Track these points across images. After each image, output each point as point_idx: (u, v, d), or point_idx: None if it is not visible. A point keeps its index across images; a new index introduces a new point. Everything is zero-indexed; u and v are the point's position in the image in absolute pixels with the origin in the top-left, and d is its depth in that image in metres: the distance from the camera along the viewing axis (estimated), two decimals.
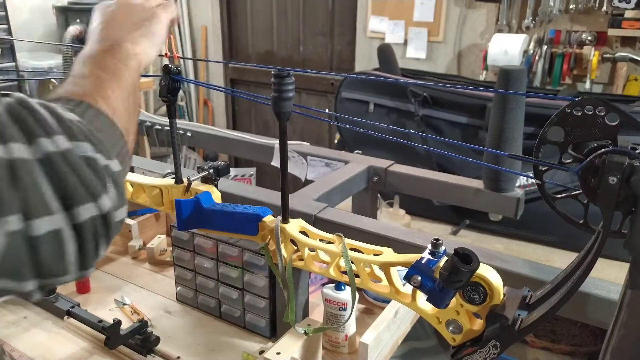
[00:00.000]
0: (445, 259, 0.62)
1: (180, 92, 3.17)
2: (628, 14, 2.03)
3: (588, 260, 0.56)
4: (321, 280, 1.17)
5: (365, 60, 2.88)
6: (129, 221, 1.33)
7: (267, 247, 0.83)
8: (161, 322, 1.06)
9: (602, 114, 0.51)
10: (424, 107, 1.82)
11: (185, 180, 0.93)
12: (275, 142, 1.43)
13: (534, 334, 1.83)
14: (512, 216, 1.18)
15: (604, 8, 2.09)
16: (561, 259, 1.54)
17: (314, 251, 0.79)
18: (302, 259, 0.80)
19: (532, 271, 0.77)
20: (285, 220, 0.81)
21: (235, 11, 3.59)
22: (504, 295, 0.62)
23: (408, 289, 0.70)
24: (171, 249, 1.15)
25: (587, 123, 0.52)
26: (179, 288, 1.14)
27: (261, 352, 0.94)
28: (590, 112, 0.51)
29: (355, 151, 1.46)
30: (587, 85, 2.18)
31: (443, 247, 0.64)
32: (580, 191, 0.55)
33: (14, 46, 2.49)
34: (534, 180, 0.59)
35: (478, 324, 0.64)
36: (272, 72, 0.71)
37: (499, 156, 1.17)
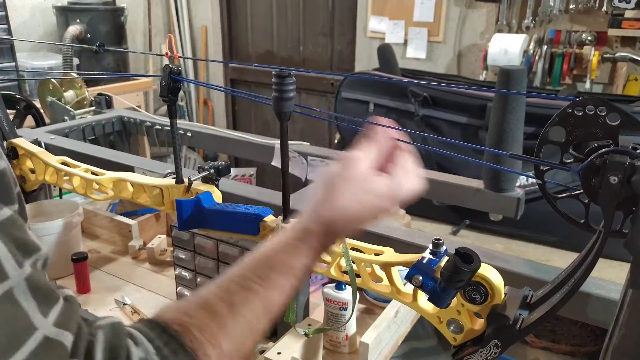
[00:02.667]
0: (446, 258, 0.62)
1: (180, 92, 3.17)
2: (628, 14, 2.03)
3: (589, 260, 0.56)
4: (322, 280, 1.17)
5: (365, 60, 2.88)
6: (129, 221, 1.33)
7: None
8: None
9: (603, 113, 0.51)
10: (424, 107, 1.82)
11: (185, 180, 0.93)
12: (276, 142, 1.43)
13: (535, 333, 1.83)
14: (513, 216, 1.18)
15: (604, 8, 2.09)
16: (562, 259, 1.54)
17: None
18: None
19: (533, 271, 0.77)
20: (286, 220, 0.81)
21: (235, 11, 3.59)
22: (505, 295, 0.62)
23: (409, 288, 0.70)
24: (171, 249, 1.14)
25: (588, 123, 0.52)
26: (179, 288, 1.14)
27: (262, 352, 0.94)
28: (591, 112, 0.52)
29: None
30: (587, 85, 2.18)
31: (444, 247, 0.64)
32: (581, 191, 0.55)
33: (14, 46, 2.49)
34: (534, 180, 0.59)
35: (479, 324, 0.64)
36: (273, 72, 0.71)
37: (499, 156, 1.17)
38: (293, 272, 0.53)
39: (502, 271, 0.63)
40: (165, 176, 1.00)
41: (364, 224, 0.58)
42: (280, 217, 0.81)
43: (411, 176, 0.59)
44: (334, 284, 0.97)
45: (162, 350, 0.42)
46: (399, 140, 0.61)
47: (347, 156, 0.58)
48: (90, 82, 2.03)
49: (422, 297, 0.68)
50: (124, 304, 1.10)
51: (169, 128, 0.96)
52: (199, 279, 1.09)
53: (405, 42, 2.69)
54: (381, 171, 0.58)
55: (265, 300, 0.50)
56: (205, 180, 0.93)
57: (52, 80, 1.78)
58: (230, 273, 0.52)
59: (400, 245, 0.86)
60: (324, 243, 0.56)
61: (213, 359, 0.45)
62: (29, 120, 1.74)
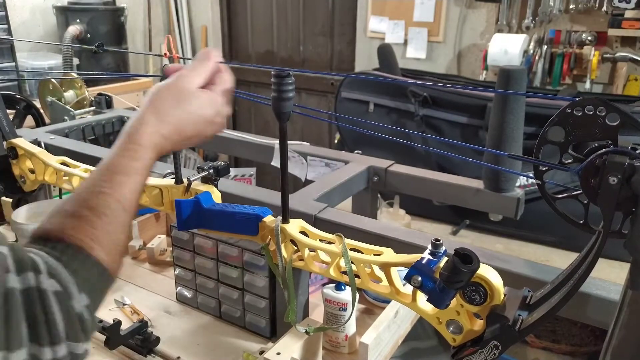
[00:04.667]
0: (445, 259, 0.62)
1: None
2: (628, 14, 2.03)
3: (588, 260, 0.56)
4: (321, 280, 1.17)
5: (365, 60, 2.88)
6: None
7: (268, 247, 0.83)
8: (161, 322, 1.06)
9: (603, 114, 0.51)
10: (424, 107, 1.82)
11: (185, 180, 0.93)
12: (275, 142, 1.43)
13: (535, 333, 1.83)
14: (512, 216, 1.18)
15: (604, 8, 2.09)
16: (561, 259, 1.54)
17: (314, 251, 0.78)
18: (302, 259, 0.80)
19: (533, 271, 0.77)
20: (285, 220, 0.81)
21: (235, 11, 3.59)
22: (505, 295, 0.62)
23: (408, 289, 0.70)
24: (171, 249, 1.14)
25: (587, 123, 0.52)
26: (179, 288, 1.14)
27: (261, 352, 0.94)
28: (591, 112, 0.51)
29: (355, 151, 1.46)
30: (587, 85, 2.18)
31: (443, 248, 0.64)
32: (581, 191, 0.55)
33: (14, 46, 2.49)
34: (534, 180, 0.59)
35: (478, 325, 0.64)
36: (272, 72, 0.71)
37: (499, 156, 1.17)
38: (135, 171, 0.60)
39: (501, 271, 0.63)
40: (164, 176, 1.00)
41: (194, 133, 0.67)
42: (280, 217, 0.81)
43: (228, 95, 0.71)
44: (334, 285, 0.97)
45: (52, 253, 0.50)
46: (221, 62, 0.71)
47: (178, 73, 0.68)
48: (90, 82, 2.03)
49: (422, 298, 0.68)
50: (124, 304, 1.10)
51: None
52: (198, 279, 1.09)
53: (405, 42, 2.69)
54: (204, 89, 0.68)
55: (118, 198, 0.57)
56: (205, 180, 0.93)
57: (52, 80, 1.78)
58: (79, 188, 0.59)
59: (400, 246, 0.86)
60: (157, 144, 0.63)
61: (98, 250, 0.53)
62: (29, 120, 1.74)
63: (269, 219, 0.83)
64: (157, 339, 0.97)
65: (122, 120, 1.77)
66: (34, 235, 0.53)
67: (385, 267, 0.71)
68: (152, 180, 0.99)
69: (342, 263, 0.74)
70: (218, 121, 0.70)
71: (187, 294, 1.12)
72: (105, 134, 1.72)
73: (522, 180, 1.47)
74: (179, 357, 0.96)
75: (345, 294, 0.96)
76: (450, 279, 0.59)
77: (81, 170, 1.09)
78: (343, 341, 0.98)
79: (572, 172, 0.54)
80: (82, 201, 0.56)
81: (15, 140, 1.22)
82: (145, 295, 1.16)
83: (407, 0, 2.63)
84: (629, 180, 0.50)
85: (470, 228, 1.74)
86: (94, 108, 1.81)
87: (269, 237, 0.83)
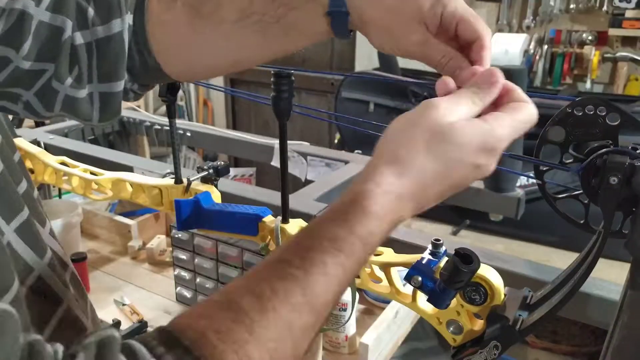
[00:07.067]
0: (445, 259, 0.62)
1: (180, 92, 3.17)
2: (628, 13, 2.03)
3: (589, 260, 0.56)
4: None
5: (365, 60, 2.88)
6: (128, 221, 1.33)
7: (268, 247, 0.83)
8: (161, 323, 1.06)
9: (603, 113, 0.51)
10: None
11: (184, 180, 0.93)
12: (275, 142, 1.43)
13: (535, 334, 1.82)
14: (513, 216, 1.18)
15: (605, 8, 2.09)
16: (561, 259, 1.54)
17: None
18: None
19: (533, 271, 0.77)
20: (285, 220, 0.80)
21: None
22: (505, 295, 0.62)
23: (408, 289, 0.70)
24: (171, 249, 1.14)
25: (588, 123, 0.52)
26: (178, 288, 1.13)
27: None
28: (591, 112, 0.51)
29: (355, 151, 1.46)
30: (588, 85, 2.18)
31: (443, 248, 0.64)
32: (581, 191, 0.54)
33: None
34: (534, 180, 0.59)
35: (479, 325, 0.63)
36: (272, 72, 0.71)
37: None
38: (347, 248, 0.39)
39: (501, 272, 0.63)
40: (164, 176, 1.00)
41: (446, 189, 0.46)
42: (279, 218, 0.80)
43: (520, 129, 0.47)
44: None
45: None
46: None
47: (427, 103, 0.46)
48: None
49: (422, 298, 0.68)
50: (123, 304, 1.10)
51: (168, 128, 0.96)
52: (198, 280, 1.09)
53: None
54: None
55: (306, 289, 0.36)
56: (205, 180, 0.93)
57: None
58: (269, 256, 0.40)
59: (400, 246, 0.86)
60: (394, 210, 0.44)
61: None
62: (29, 120, 1.74)
63: (268, 219, 0.82)
64: None
65: (121, 120, 1.77)
66: (173, 321, 0.38)
67: (385, 267, 0.70)
68: (152, 180, 0.99)
69: None
70: (483, 163, 0.45)
71: (187, 294, 1.12)
72: (104, 134, 1.72)
73: (522, 180, 1.47)
74: None
75: (345, 295, 0.95)
76: (450, 279, 0.59)
77: (80, 170, 1.09)
78: (343, 341, 0.98)
79: (572, 172, 0.54)
80: (255, 281, 0.37)
81: (15, 140, 1.22)
82: (144, 296, 1.15)
83: None
84: (629, 180, 0.49)
85: (470, 228, 1.74)
86: None
87: (269, 237, 0.82)
